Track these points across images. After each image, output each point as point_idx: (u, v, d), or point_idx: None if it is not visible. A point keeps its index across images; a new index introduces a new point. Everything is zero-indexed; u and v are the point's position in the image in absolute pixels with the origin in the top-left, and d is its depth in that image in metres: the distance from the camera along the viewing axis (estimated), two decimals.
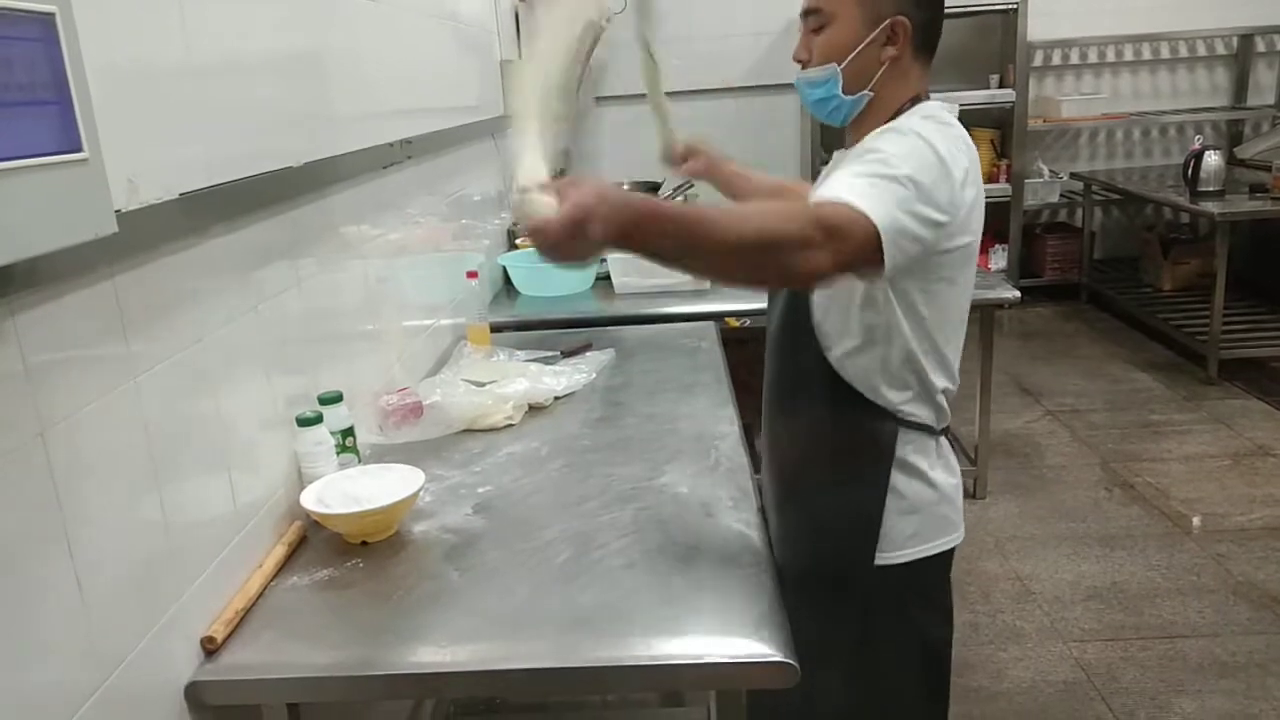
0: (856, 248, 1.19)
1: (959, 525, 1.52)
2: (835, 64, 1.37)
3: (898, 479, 1.45)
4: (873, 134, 1.34)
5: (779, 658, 1.17)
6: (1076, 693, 2.50)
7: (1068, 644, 2.70)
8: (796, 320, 1.47)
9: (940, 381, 1.44)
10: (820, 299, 1.44)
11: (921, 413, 1.45)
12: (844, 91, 1.39)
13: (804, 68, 1.43)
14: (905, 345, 1.39)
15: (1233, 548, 3.14)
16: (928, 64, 1.41)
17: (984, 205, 1.37)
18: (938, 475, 1.48)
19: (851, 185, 1.21)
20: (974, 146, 1.36)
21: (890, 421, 1.44)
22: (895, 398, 1.43)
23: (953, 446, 1.54)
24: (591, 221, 1.04)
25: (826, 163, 1.57)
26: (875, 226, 1.18)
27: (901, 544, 1.47)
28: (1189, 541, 3.21)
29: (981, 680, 2.56)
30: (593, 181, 1.08)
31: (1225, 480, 3.61)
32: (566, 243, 1.05)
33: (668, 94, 1.79)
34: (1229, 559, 3.08)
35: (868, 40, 1.35)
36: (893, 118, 1.37)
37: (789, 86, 6.17)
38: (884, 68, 1.37)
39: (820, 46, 1.39)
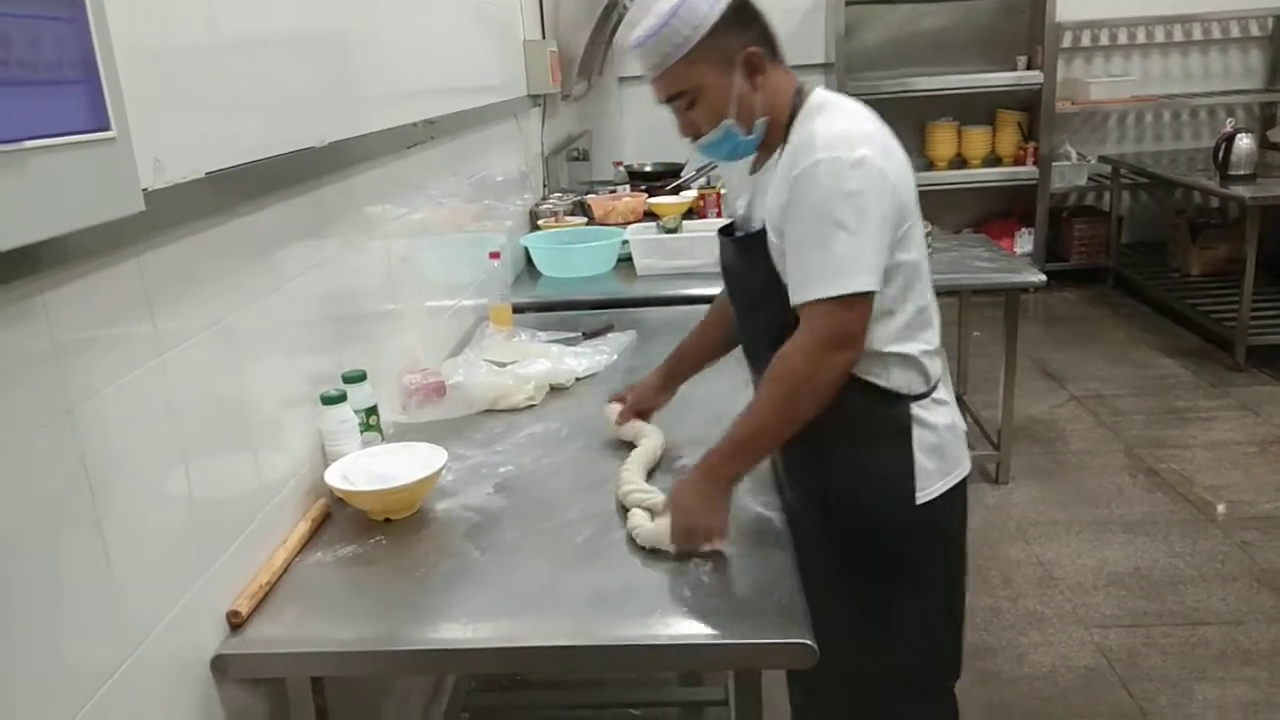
0: (861, 317, 1.36)
1: (966, 457, 1.59)
2: (726, 119, 1.46)
3: (916, 419, 1.50)
4: (803, 181, 1.36)
5: (797, 639, 1.18)
6: (1097, 678, 2.49)
7: (1089, 630, 2.69)
8: (786, 308, 1.46)
9: (929, 333, 1.52)
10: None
11: (927, 361, 1.51)
12: (745, 134, 1.48)
13: (695, 139, 1.50)
14: (904, 304, 1.45)
15: (1258, 535, 3.12)
16: (781, 59, 1.50)
17: (909, 171, 1.44)
18: (941, 415, 1.53)
19: (824, 269, 1.34)
20: (873, 117, 1.44)
21: (905, 370, 1.48)
22: (901, 350, 1.47)
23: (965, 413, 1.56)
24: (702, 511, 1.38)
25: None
26: (867, 290, 1.34)
27: (925, 482, 1.51)
28: (1213, 529, 3.18)
29: (1002, 665, 2.56)
30: (677, 491, 1.40)
31: (1251, 468, 3.57)
32: (699, 528, 1.37)
33: None
34: (1254, 547, 3.05)
35: (736, 86, 1.44)
36: (790, 118, 1.45)
37: (817, 66, 6.08)
38: (760, 92, 1.45)
39: (703, 116, 1.47)
